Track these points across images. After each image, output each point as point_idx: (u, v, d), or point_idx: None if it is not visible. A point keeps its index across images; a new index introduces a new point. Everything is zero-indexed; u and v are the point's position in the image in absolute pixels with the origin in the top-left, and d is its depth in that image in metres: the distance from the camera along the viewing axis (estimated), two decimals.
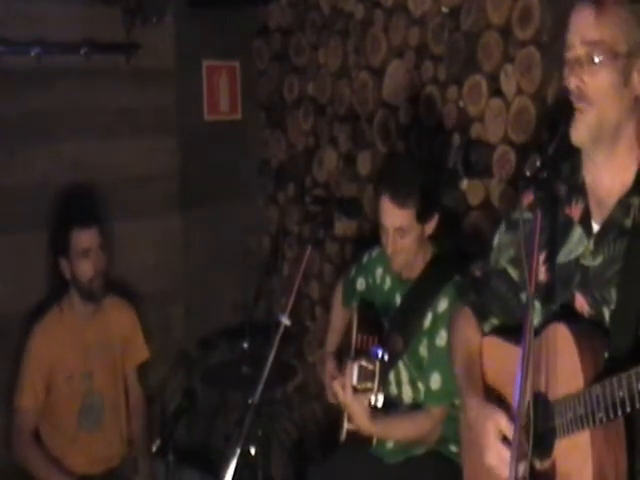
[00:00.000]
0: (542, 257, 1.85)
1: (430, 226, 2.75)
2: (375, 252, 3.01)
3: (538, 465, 1.75)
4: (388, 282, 2.94)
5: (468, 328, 2.10)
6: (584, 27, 1.68)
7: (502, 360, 1.95)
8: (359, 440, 2.81)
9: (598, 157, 1.75)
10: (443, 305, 2.71)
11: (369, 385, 2.65)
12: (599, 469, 1.60)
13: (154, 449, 3.05)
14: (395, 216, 2.67)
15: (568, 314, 1.77)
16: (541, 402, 1.75)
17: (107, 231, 3.44)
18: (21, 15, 3.48)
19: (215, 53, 4.13)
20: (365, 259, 3.06)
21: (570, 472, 1.67)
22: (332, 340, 3.23)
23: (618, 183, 1.74)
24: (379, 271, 2.98)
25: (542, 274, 1.84)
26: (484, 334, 2.06)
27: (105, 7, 3.69)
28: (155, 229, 3.99)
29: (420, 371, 2.75)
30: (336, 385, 2.70)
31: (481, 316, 2.08)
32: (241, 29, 4.19)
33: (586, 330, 1.70)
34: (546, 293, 1.84)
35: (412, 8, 3.33)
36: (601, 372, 1.62)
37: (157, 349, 3.62)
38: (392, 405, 2.78)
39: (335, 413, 3.06)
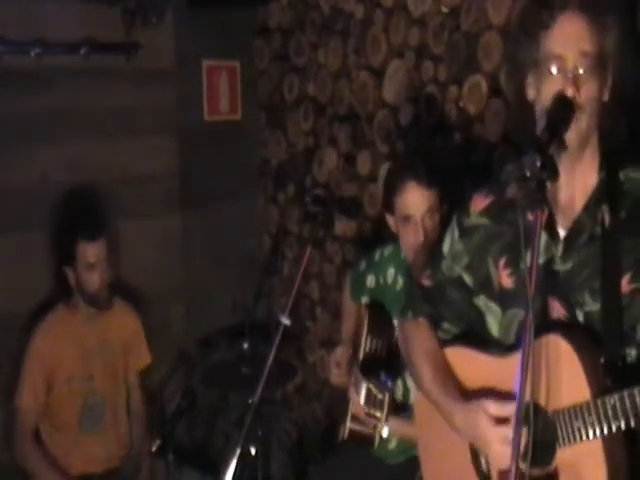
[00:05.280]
0: (502, 262, 1.90)
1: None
2: (387, 250, 2.93)
3: (537, 471, 1.75)
4: (400, 282, 2.87)
5: (428, 339, 2.09)
6: (578, 38, 1.70)
7: (472, 369, 1.96)
8: (360, 440, 2.80)
9: (564, 163, 1.72)
10: None
11: (377, 414, 2.63)
12: (613, 473, 1.63)
13: (154, 449, 3.04)
14: (424, 198, 2.67)
15: (559, 324, 1.78)
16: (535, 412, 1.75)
17: (113, 239, 3.43)
18: (21, 15, 3.48)
19: (215, 53, 4.13)
20: (377, 256, 2.97)
21: (581, 477, 1.69)
22: (347, 327, 3.14)
23: (580, 189, 1.77)
24: (391, 271, 2.90)
25: (503, 279, 1.89)
26: (443, 343, 2.06)
27: (105, 7, 3.69)
28: (155, 229, 3.99)
29: None
30: (350, 392, 2.72)
31: (438, 325, 2.08)
32: (241, 29, 4.19)
33: (582, 339, 1.71)
34: (507, 298, 1.88)
35: (412, 8, 3.33)
36: (603, 379, 1.65)
37: (157, 349, 3.62)
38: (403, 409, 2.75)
39: (335, 413, 3.06)
